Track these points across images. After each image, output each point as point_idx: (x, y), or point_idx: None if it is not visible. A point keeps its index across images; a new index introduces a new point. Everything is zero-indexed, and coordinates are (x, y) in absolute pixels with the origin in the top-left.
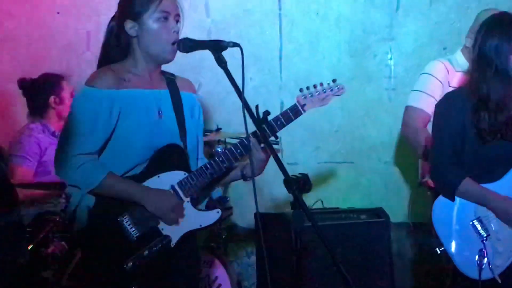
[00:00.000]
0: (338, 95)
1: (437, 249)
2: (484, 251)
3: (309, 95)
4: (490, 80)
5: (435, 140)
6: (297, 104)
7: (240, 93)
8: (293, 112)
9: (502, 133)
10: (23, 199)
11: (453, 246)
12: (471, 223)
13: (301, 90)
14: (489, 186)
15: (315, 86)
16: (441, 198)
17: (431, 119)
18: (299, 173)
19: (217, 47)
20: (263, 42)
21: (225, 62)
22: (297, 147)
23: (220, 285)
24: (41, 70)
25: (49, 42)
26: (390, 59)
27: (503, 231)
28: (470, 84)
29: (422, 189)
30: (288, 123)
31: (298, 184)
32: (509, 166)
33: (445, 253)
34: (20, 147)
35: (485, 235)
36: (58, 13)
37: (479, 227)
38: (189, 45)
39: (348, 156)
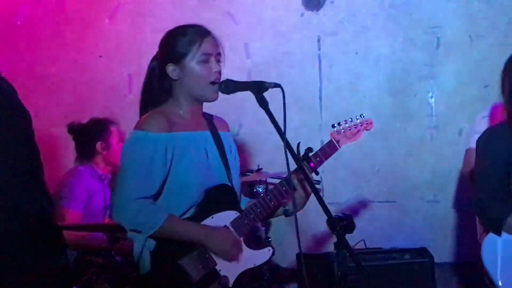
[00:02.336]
0: (368, 130)
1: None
2: None
3: (342, 131)
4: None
5: (478, 175)
6: (332, 139)
7: (281, 133)
8: (330, 148)
9: None
10: (69, 242)
11: (508, 284)
12: None
13: (333, 125)
14: None
15: (345, 121)
16: (490, 235)
17: None
18: (343, 213)
19: (258, 88)
20: (303, 83)
21: (267, 103)
22: (339, 187)
23: None
24: (86, 113)
25: (93, 86)
26: (431, 97)
27: None
28: (509, 118)
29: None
30: (326, 159)
31: (342, 224)
32: None
33: None
34: (68, 189)
35: None
36: (101, 56)
37: None
38: (231, 86)
39: (390, 196)
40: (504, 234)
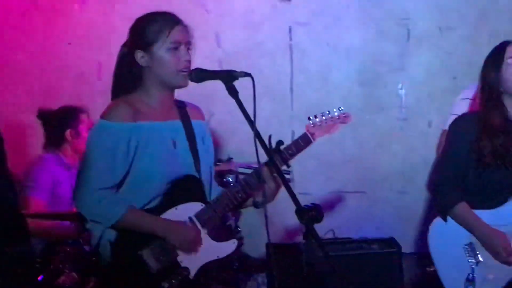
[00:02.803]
0: (344, 123)
1: (427, 268)
2: (472, 277)
3: (318, 123)
4: (491, 105)
5: (439, 159)
6: (307, 132)
7: (251, 123)
8: (304, 141)
9: (504, 159)
10: (34, 230)
11: (443, 267)
12: (463, 246)
13: (309, 118)
14: (486, 213)
15: (322, 115)
16: (438, 219)
17: None
18: (311, 203)
19: (228, 77)
20: (275, 73)
21: (237, 92)
22: (309, 177)
23: None
24: (54, 101)
25: (61, 73)
26: (401, 89)
27: (493, 260)
28: (480, 108)
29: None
30: (299, 152)
31: (310, 214)
32: (508, 196)
33: (435, 274)
34: (32, 177)
35: (475, 261)
36: (70, 43)
37: (470, 252)
38: (201, 75)
39: (360, 186)
40: (450, 221)
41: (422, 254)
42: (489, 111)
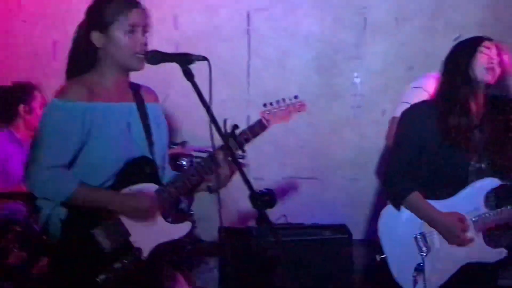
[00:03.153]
0: (299, 112)
1: (377, 256)
2: (422, 266)
3: (273, 111)
4: (457, 86)
5: (392, 149)
6: (262, 119)
7: (207, 107)
8: (259, 127)
9: (465, 139)
10: None
11: (393, 256)
12: (414, 236)
13: (265, 105)
14: (437, 203)
15: (278, 102)
16: (390, 207)
17: None
18: (265, 188)
19: (184, 60)
20: (232, 57)
21: (193, 76)
22: (263, 162)
23: None
24: (7, 79)
25: (15, 51)
26: (357, 77)
27: (444, 250)
28: (441, 91)
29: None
30: (254, 138)
31: (264, 200)
32: (459, 187)
33: (384, 262)
34: None
35: (425, 251)
36: (24, 21)
37: (421, 242)
38: (158, 57)
39: (313, 172)
40: (402, 210)
41: (373, 241)
42: (460, 91)
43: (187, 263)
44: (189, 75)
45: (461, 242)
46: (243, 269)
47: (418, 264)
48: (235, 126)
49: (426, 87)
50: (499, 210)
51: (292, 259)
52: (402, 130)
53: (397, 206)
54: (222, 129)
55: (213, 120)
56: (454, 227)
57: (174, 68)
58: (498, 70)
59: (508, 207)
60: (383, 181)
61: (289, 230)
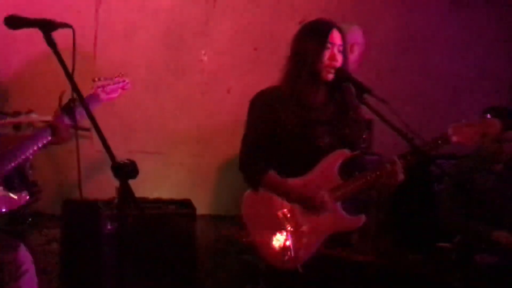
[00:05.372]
0: (124, 90)
1: (243, 239)
2: (288, 242)
3: (101, 86)
4: (301, 79)
5: (246, 133)
6: (96, 93)
7: (70, 76)
8: (91, 100)
9: (307, 131)
10: None
11: (259, 236)
12: (277, 213)
13: (93, 80)
14: (294, 180)
15: (105, 79)
16: (250, 189)
17: None
18: (127, 159)
19: (48, 27)
20: (79, 28)
21: (55, 44)
22: (108, 136)
23: (26, 270)
24: None
25: None
26: (204, 54)
27: (306, 224)
28: (285, 82)
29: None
30: (87, 111)
31: (126, 170)
32: (313, 163)
33: (252, 243)
34: None
35: (289, 227)
36: None
37: (284, 219)
38: (18, 23)
39: (159, 147)
40: (262, 191)
41: (217, 216)
42: (303, 85)
43: (27, 234)
44: (51, 43)
45: (320, 213)
46: (84, 244)
47: (285, 241)
48: (73, 100)
49: None
50: (352, 178)
51: (136, 233)
52: (253, 115)
53: (255, 188)
54: (58, 102)
55: (76, 90)
56: (312, 199)
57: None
58: (341, 59)
59: (357, 173)
60: (239, 165)
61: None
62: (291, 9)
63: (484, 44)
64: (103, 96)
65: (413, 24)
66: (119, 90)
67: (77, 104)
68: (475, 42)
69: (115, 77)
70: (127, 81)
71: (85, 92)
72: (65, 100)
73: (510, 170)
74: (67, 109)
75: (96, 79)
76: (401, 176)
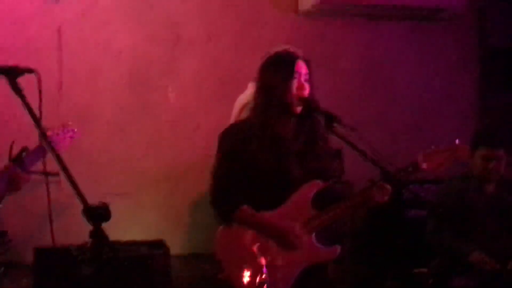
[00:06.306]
0: (73, 138)
1: (219, 276)
2: (264, 277)
3: (49, 136)
4: (271, 111)
5: (216, 169)
6: (50, 139)
7: (37, 121)
8: (38, 152)
9: (279, 163)
10: None
11: (234, 272)
12: (252, 248)
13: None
14: (267, 214)
15: (59, 126)
16: (223, 225)
17: None
18: (99, 201)
19: (13, 73)
20: (43, 72)
21: (21, 89)
22: (77, 179)
23: None
24: None
25: None
26: (170, 92)
27: (281, 257)
28: (255, 114)
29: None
30: (56, 156)
31: (98, 213)
32: (286, 195)
33: (227, 279)
34: None
35: (264, 261)
36: None
37: (259, 253)
38: None
39: (129, 188)
40: (235, 226)
41: (191, 255)
42: (274, 117)
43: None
44: (17, 89)
45: (295, 246)
46: None
47: (260, 276)
48: (25, 148)
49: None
50: (325, 210)
51: (109, 277)
52: (223, 149)
53: (228, 223)
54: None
55: (43, 135)
56: (286, 232)
57: None
58: (308, 88)
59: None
60: (211, 202)
61: (105, 247)
62: (254, 43)
63: (447, 68)
64: (63, 143)
65: (376, 53)
66: (68, 140)
67: (29, 152)
68: (438, 66)
69: (63, 127)
70: (75, 130)
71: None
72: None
73: (500, 192)
74: (18, 160)
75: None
76: (381, 198)
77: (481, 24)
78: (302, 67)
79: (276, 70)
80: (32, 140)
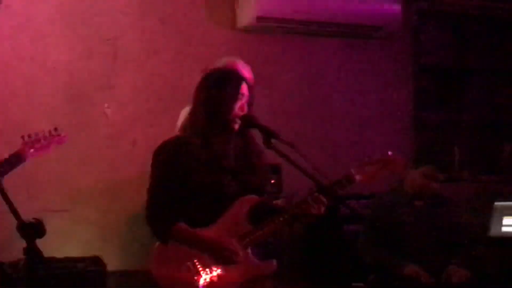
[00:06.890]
0: (60, 144)
1: None
2: None
3: (31, 143)
4: (212, 128)
5: (151, 186)
6: (22, 150)
7: None
8: (15, 158)
9: (214, 179)
10: None
11: None
12: (188, 265)
13: (23, 137)
14: (203, 230)
15: (37, 134)
16: (158, 243)
17: None
18: (33, 218)
19: None
20: None
21: None
22: (10, 195)
23: None
24: None
25: None
26: (108, 107)
27: (218, 273)
28: (193, 130)
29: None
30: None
31: (32, 229)
32: (221, 210)
33: None
34: None
35: (201, 278)
36: None
37: (195, 269)
38: None
39: (65, 204)
40: (171, 243)
41: (128, 272)
42: (214, 133)
43: None
44: None
45: (231, 261)
46: None
47: None
48: None
49: None
50: (260, 224)
51: None
52: (157, 166)
53: (164, 240)
54: None
55: None
56: (222, 247)
57: None
58: (246, 110)
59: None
60: (146, 218)
61: (42, 264)
62: (193, 59)
63: (383, 84)
64: (31, 152)
65: (314, 69)
66: (52, 145)
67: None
68: (374, 83)
69: (47, 133)
70: (63, 134)
71: None
72: None
73: (430, 207)
74: None
75: (26, 136)
76: (317, 211)
77: (415, 42)
78: (245, 89)
79: (221, 88)
80: None
